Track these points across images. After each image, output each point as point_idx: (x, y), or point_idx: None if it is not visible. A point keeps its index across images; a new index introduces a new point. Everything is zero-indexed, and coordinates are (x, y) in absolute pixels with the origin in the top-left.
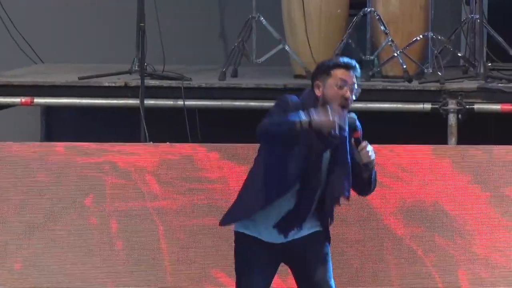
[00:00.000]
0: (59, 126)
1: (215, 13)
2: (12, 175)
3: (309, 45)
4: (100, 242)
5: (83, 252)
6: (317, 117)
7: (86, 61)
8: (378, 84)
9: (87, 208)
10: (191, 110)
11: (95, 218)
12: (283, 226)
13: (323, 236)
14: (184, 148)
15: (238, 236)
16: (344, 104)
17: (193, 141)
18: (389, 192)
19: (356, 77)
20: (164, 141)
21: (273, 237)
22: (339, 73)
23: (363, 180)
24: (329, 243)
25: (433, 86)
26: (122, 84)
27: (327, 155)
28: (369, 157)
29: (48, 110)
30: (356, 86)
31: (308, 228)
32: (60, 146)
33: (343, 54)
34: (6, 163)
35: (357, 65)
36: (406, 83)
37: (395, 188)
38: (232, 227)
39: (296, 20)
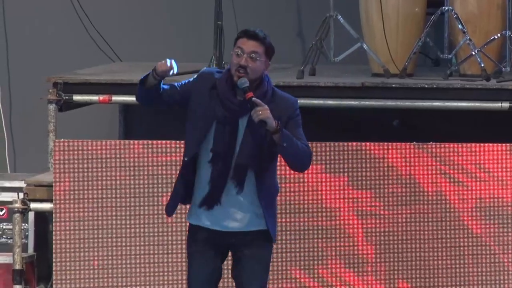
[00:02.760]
0: (137, 124)
1: (292, 11)
2: (89, 173)
3: (387, 43)
4: (175, 240)
5: (160, 250)
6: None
7: (163, 59)
8: (456, 82)
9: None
10: None
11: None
12: (205, 201)
13: (264, 237)
14: None
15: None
16: (239, 72)
17: None
18: (467, 191)
19: (262, 46)
20: None
21: (214, 224)
22: (239, 41)
23: (281, 150)
24: (270, 243)
25: (511, 84)
26: None
27: (243, 123)
28: (258, 115)
29: (126, 108)
30: (255, 55)
31: (249, 224)
32: (137, 144)
33: (421, 52)
34: (84, 161)
35: (260, 35)
36: (484, 82)
37: (473, 187)
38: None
39: (373, 18)
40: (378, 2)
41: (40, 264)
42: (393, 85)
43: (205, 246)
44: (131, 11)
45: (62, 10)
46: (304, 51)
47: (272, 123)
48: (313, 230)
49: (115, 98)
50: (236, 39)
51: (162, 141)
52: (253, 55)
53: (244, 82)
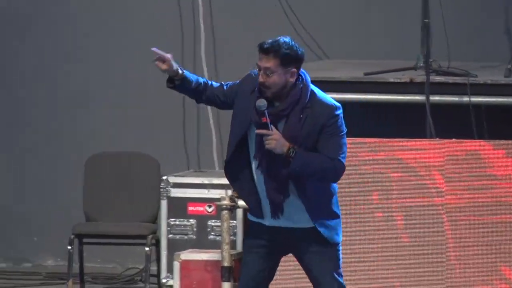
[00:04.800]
0: (345, 121)
1: (499, 9)
2: None
3: None
4: (387, 237)
5: (368, 248)
6: None
7: (370, 57)
8: None
9: (373, 203)
10: (477, 106)
11: (382, 213)
12: (274, 212)
13: (316, 233)
14: (471, 145)
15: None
16: (261, 90)
17: (479, 138)
18: None
19: (276, 59)
20: (450, 138)
21: (270, 220)
22: (258, 56)
23: (292, 171)
24: (324, 240)
25: None
26: (408, 80)
27: (281, 128)
28: (266, 144)
29: None
30: (269, 71)
31: (300, 221)
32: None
33: None
34: None
35: (271, 48)
36: None
37: None
38: None
39: None
40: None
41: None
42: None
43: (261, 241)
44: (338, 8)
45: (270, 8)
46: (511, 49)
47: (281, 151)
48: None
49: None
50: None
51: (371, 139)
52: (267, 72)
53: (262, 105)
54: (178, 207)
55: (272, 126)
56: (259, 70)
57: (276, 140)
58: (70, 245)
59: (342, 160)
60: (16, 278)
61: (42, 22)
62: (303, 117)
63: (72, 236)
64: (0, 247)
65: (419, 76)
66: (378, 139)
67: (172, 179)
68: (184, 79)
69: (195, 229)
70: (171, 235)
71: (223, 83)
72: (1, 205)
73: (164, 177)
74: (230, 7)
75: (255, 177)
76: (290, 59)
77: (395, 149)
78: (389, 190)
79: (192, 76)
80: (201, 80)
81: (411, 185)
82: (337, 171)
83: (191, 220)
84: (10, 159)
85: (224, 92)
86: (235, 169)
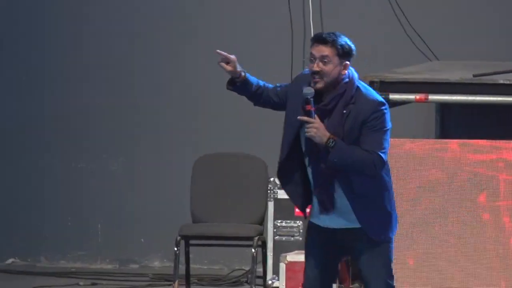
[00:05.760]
0: (453, 123)
1: None
2: (406, 171)
3: None
4: (494, 240)
5: (475, 249)
6: None
7: (479, 58)
8: None
9: (480, 205)
10: None
11: (489, 215)
12: (322, 207)
13: (363, 233)
14: None
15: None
16: (314, 78)
17: None
18: None
19: (333, 48)
20: None
21: (324, 221)
22: (312, 48)
23: (330, 163)
24: (374, 240)
25: None
26: None
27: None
28: (306, 132)
29: (442, 107)
30: (326, 59)
31: (354, 221)
32: (454, 143)
33: None
34: (400, 159)
35: (328, 38)
36: None
37: None
38: None
39: None
40: None
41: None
42: None
43: (318, 242)
44: (447, 10)
45: (379, 10)
46: None
47: (320, 140)
48: None
49: (432, 97)
50: (310, 47)
51: (479, 140)
52: (325, 60)
53: (308, 92)
54: (285, 208)
55: (316, 115)
56: (314, 59)
57: (316, 128)
58: (177, 246)
59: (382, 155)
60: (123, 279)
61: (162, 23)
62: (346, 112)
63: (179, 238)
64: (107, 249)
65: None
66: (486, 140)
67: None
68: (246, 81)
69: (301, 230)
70: (277, 237)
71: (277, 84)
72: (112, 205)
73: (271, 179)
74: (339, 9)
75: (309, 175)
76: (346, 51)
77: (502, 151)
78: (496, 191)
79: (253, 79)
80: (261, 83)
81: None
82: (376, 165)
83: (297, 222)
84: (124, 162)
85: (277, 92)
86: (289, 171)
